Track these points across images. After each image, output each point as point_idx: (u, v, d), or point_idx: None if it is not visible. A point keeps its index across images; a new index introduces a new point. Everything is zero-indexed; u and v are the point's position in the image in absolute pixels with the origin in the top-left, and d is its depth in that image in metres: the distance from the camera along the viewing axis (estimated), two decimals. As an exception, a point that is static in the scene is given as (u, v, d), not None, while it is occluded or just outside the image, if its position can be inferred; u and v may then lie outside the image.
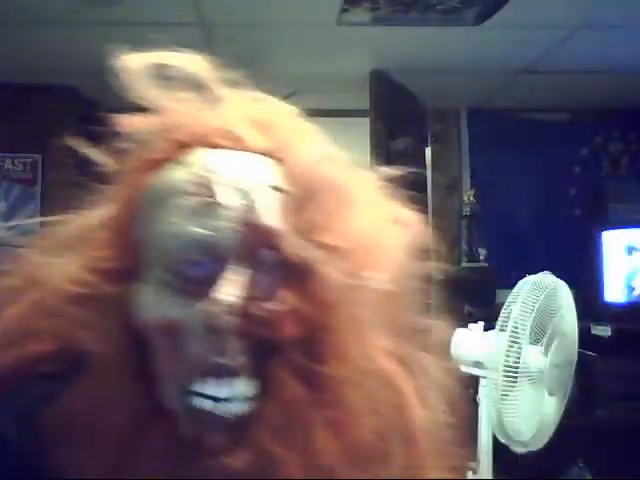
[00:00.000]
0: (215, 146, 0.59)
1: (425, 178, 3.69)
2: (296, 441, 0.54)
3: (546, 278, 1.62)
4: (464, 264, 3.68)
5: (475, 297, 3.43)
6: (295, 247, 0.55)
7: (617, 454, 2.78)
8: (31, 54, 2.94)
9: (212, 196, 0.55)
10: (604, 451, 2.84)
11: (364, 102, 3.10)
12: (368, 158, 3.03)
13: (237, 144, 0.59)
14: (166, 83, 0.61)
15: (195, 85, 0.62)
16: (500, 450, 1.70)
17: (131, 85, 0.60)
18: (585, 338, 1.96)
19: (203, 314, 0.52)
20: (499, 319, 1.61)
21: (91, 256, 0.58)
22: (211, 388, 0.53)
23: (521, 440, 1.63)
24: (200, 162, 0.57)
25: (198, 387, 0.53)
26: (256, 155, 0.59)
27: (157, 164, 0.59)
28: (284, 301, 0.55)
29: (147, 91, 0.60)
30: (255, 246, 0.55)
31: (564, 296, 1.64)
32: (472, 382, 1.76)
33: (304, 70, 3.21)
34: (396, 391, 0.60)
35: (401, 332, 0.63)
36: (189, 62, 0.63)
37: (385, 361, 0.60)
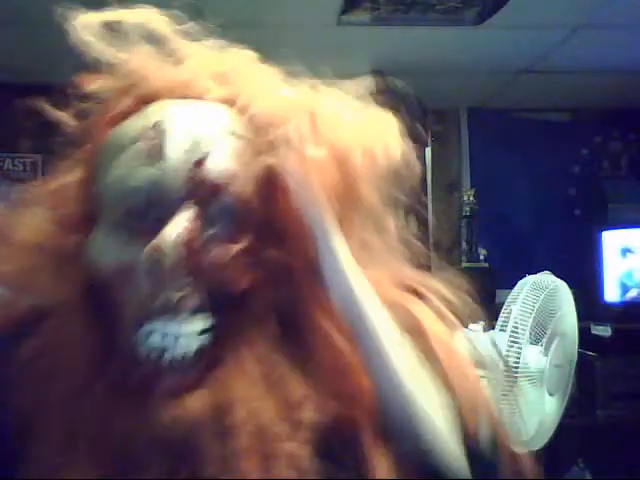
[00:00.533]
0: (176, 98, 0.60)
1: (425, 178, 3.69)
2: (262, 382, 0.54)
3: (546, 278, 1.62)
4: (464, 264, 3.68)
5: (475, 297, 3.42)
6: (243, 190, 0.56)
7: (617, 454, 2.78)
8: (31, 54, 2.93)
9: (164, 141, 0.56)
10: (604, 451, 2.84)
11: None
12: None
13: (198, 95, 0.61)
14: (124, 39, 0.62)
15: (154, 39, 0.63)
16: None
17: (87, 44, 0.61)
18: (585, 338, 1.97)
19: (146, 252, 0.52)
20: (499, 319, 1.61)
21: (55, 210, 0.60)
22: (164, 326, 0.53)
23: (521, 440, 1.62)
24: (157, 112, 0.58)
25: (152, 326, 0.53)
26: (216, 105, 0.61)
27: (120, 118, 0.60)
28: (242, 245, 0.55)
29: (104, 49, 0.61)
30: (205, 189, 0.55)
31: (564, 296, 1.64)
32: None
33: (304, 70, 3.20)
34: (411, 317, 0.61)
35: (397, 255, 0.65)
36: (146, 17, 0.63)
37: (391, 293, 0.61)
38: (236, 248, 0.55)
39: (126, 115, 0.60)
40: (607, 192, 3.68)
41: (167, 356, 0.53)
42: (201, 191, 0.55)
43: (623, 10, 2.50)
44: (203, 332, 0.54)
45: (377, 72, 3.09)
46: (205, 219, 0.55)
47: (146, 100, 0.60)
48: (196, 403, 0.52)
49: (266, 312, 0.57)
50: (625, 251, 3.29)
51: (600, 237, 3.36)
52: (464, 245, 3.71)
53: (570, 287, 1.68)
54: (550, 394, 1.63)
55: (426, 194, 3.68)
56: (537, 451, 1.66)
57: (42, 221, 0.60)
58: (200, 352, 0.54)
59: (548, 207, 3.78)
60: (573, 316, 1.68)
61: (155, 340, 0.53)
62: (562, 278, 1.66)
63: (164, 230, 0.53)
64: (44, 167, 3.48)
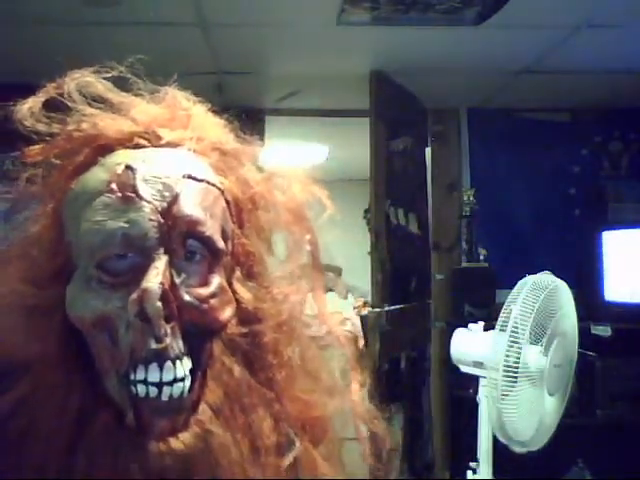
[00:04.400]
0: (134, 146, 0.62)
1: (425, 178, 3.70)
2: (236, 421, 0.58)
3: (546, 278, 1.62)
4: (464, 264, 3.68)
5: (475, 297, 3.43)
6: (214, 232, 0.59)
7: (617, 454, 2.78)
8: (31, 54, 2.93)
9: (131, 191, 0.57)
10: (604, 451, 2.84)
11: (364, 102, 3.10)
12: (368, 158, 3.03)
13: (153, 141, 0.63)
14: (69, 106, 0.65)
15: (98, 100, 0.66)
16: (500, 450, 1.70)
17: (33, 128, 0.65)
18: (585, 338, 1.96)
19: (132, 303, 0.54)
20: (499, 319, 1.61)
21: (25, 268, 0.62)
22: (151, 374, 0.55)
23: (521, 440, 1.62)
24: (120, 160, 0.60)
25: (137, 375, 0.55)
26: (174, 148, 0.63)
27: (79, 171, 0.62)
28: (213, 285, 0.58)
29: (50, 125, 0.65)
30: (178, 235, 0.57)
31: (564, 296, 1.64)
32: (472, 382, 1.77)
33: (304, 70, 3.21)
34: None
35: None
36: (83, 82, 0.66)
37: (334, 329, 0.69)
38: (208, 291, 0.58)
39: (85, 167, 0.62)
40: (607, 192, 3.68)
41: (152, 404, 0.55)
42: (173, 235, 0.57)
43: (623, 10, 2.50)
44: (184, 378, 0.56)
45: (377, 72, 3.10)
46: (176, 265, 0.57)
47: (101, 152, 0.62)
48: (181, 445, 0.55)
49: (237, 342, 0.61)
50: (631, 249, 3.29)
51: (600, 237, 3.36)
52: (464, 245, 3.71)
53: (570, 287, 1.67)
54: (550, 394, 1.63)
55: (426, 194, 3.68)
56: (537, 451, 1.66)
57: (13, 281, 0.61)
58: (182, 398, 0.56)
59: (548, 207, 3.78)
60: (573, 316, 1.68)
61: (140, 390, 0.55)
62: (562, 278, 1.66)
63: (144, 281, 0.54)
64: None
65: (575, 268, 3.19)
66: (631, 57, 3.00)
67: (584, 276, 3.25)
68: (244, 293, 0.62)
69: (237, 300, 0.62)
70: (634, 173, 3.84)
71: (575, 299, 1.68)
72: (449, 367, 2.17)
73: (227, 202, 0.63)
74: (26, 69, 3.19)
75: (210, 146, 0.66)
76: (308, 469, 0.63)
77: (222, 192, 0.63)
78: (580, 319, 1.71)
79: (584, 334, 1.85)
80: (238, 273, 0.63)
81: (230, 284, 0.62)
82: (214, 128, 0.68)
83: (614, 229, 3.38)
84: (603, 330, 2.99)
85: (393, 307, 2.98)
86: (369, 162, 3.02)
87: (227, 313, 0.60)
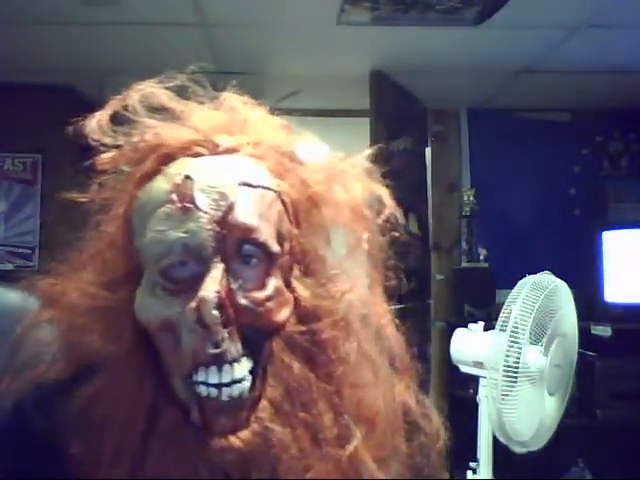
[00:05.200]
0: (195, 155, 0.65)
1: (425, 178, 3.70)
2: (296, 416, 0.61)
3: (546, 278, 1.62)
4: (464, 264, 3.68)
5: (475, 297, 3.43)
6: (269, 237, 0.61)
7: (617, 454, 2.78)
8: (31, 54, 2.94)
9: (190, 202, 0.60)
10: (604, 451, 2.84)
11: (364, 102, 3.10)
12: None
13: (211, 148, 0.66)
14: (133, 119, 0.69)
15: (160, 110, 0.69)
16: (500, 450, 1.70)
17: (103, 142, 0.68)
18: (585, 338, 1.96)
19: (190, 311, 0.57)
20: (499, 319, 1.61)
21: (98, 272, 0.66)
22: (210, 376, 0.58)
23: (521, 440, 1.62)
24: (180, 171, 0.63)
25: (199, 377, 0.59)
26: (233, 155, 0.66)
27: (145, 180, 0.65)
28: (269, 287, 0.61)
29: (118, 138, 0.68)
30: (233, 242, 0.60)
31: (564, 296, 1.64)
32: (472, 382, 1.76)
33: (304, 70, 3.21)
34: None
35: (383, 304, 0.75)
36: (147, 93, 0.69)
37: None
38: (265, 294, 0.61)
39: (149, 176, 0.65)
40: (607, 192, 3.68)
41: (213, 403, 0.59)
42: (228, 243, 0.60)
43: (623, 10, 2.50)
44: (243, 379, 0.60)
45: (377, 72, 3.10)
46: (233, 270, 0.60)
47: (165, 161, 0.66)
48: (240, 443, 0.58)
49: (296, 339, 0.63)
50: (631, 249, 3.28)
51: (600, 237, 3.36)
52: (464, 245, 3.71)
53: (570, 287, 1.67)
54: (550, 394, 1.63)
55: (426, 194, 3.68)
56: (537, 451, 1.66)
57: (87, 284, 0.65)
58: (241, 397, 0.59)
59: (548, 207, 3.79)
60: (573, 316, 1.68)
61: (201, 391, 0.59)
62: (562, 278, 1.66)
63: (201, 290, 0.57)
64: (44, 167, 3.48)
65: (575, 268, 3.19)
66: (631, 57, 3.00)
67: (584, 276, 3.25)
68: (302, 291, 0.64)
69: (296, 298, 0.64)
70: (634, 173, 3.84)
71: (575, 299, 1.68)
72: (449, 367, 2.17)
73: (284, 203, 0.66)
74: (26, 69, 3.21)
75: (267, 149, 0.68)
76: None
77: (279, 194, 0.65)
78: (580, 319, 1.71)
79: (584, 334, 1.84)
80: (296, 271, 0.65)
81: (289, 283, 0.64)
82: (271, 131, 0.70)
83: (614, 229, 3.38)
84: (603, 330, 2.99)
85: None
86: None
87: (284, 314, 0.62)
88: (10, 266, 3.42)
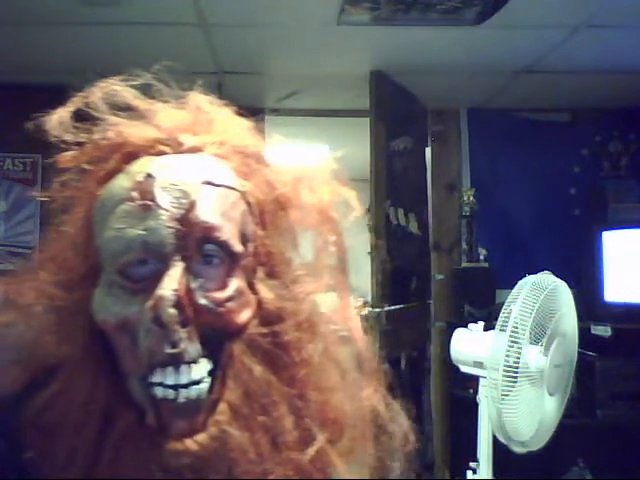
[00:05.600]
0: (159, 153, 0.64)
1: (425, 178, 3.70)
2: (256, 419, 0.59)
3: (546, 278, 1.62)
4: (464, 264, 3.68)
5: (475, 297, 3.43)
6: (231, 236, 0.60)
7: (617, 454, 2.78)
8: (31, 54, 2.93)
9: (150, 199, 0.59)
10: (604, 451, 2.84)
11: (364, 102, 3.10)
12: (368, 158, 3.03)
13: (175, 147, 0.65)
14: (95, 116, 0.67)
15: (124, 108, 0.68)
16: (500, 450, 1.70)
17: (62, 138, 0.66)
18: (585, 338, 1.96)
19: (147, 310, 0.56)
20: (499, 319, 1.61)
21: (57, 271, 0.64)
22: (167, 377, 0.57)
23: (521, 440, 1.62)
24: (142, 169, 0.62)
25: (155, 377, 0.57)
26: (197, 155, 0.65)
27: (107, 178, 0.64)
28: (230, 288, 0.60)
29: (78, 135, 0.67)
30: (194, 241, 0.59)
31: (564, 296, 1.64)
32: (472, 382, 1.76)
33: (304, 70, 3.21)
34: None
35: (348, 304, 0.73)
36: (110, 91, 0.68)
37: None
38: (225, 295, 0.59)
39: (112, 174, 0.64)
40: (607, 192, 3.68)
41: (170, 405, 0.57)
42: (189, 241, 0.59)
43: (623, 10, 2.50)
44: (201, 380, 0.58)
45: (377, 72, 3.10)
46: (194, 269, 0.59)
47: (127, 159, 0.64)
48: (196, 446, 0.57)
49: (258, 342, 0.62)
50: (631, 249, 3.28)
51: (600, 237, 3.36)
52: (464, 245, 3.71)
53: (570, 287, 1.67)
54: (550, 394, 1.63)
55: (426, 194, 3.68)
56: (537, 451, 1.66)
57: (45, 284, 0.64)
58: (199, 399, 0.58)
59: (548, 207, 3.78)
60: (573, 316, 1.67)
61: (157, 392, 0.57)
62: (562, 278, 1.66)
63: (159, 288, 0.56)
64: (44, 167, 3.48)
65: (575, 268, 3.19)
66: (631, 57, 3.00)
67: (584, 276, 3.25)
68: (265, 293, 0.63)
69: (259, 300, 0.63)
70: (634, 173, 3.84)
71: (575, 299, 1.68)
72: (449, 367, 2.17)
73: (249, 204, 0.65)
74: (26, 69, 3.20)
75: (232, 149, 0.67)
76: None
77: (243, 194, 0.64)
78: (580, 319, 1.71)
79: (584, 334, 1.85)
80: (260, 273, 0.64)
81: (252, 284, 0.63)
82: (237, 131, 0.69)
83: (614, 229, 3.38)
84: (603, 330, 2.99)
85: (393, 307, 2.98)
86: (369, 162, 3.02)
87: (245, 315, 0.61)
88: (10, 266, 3.42)
